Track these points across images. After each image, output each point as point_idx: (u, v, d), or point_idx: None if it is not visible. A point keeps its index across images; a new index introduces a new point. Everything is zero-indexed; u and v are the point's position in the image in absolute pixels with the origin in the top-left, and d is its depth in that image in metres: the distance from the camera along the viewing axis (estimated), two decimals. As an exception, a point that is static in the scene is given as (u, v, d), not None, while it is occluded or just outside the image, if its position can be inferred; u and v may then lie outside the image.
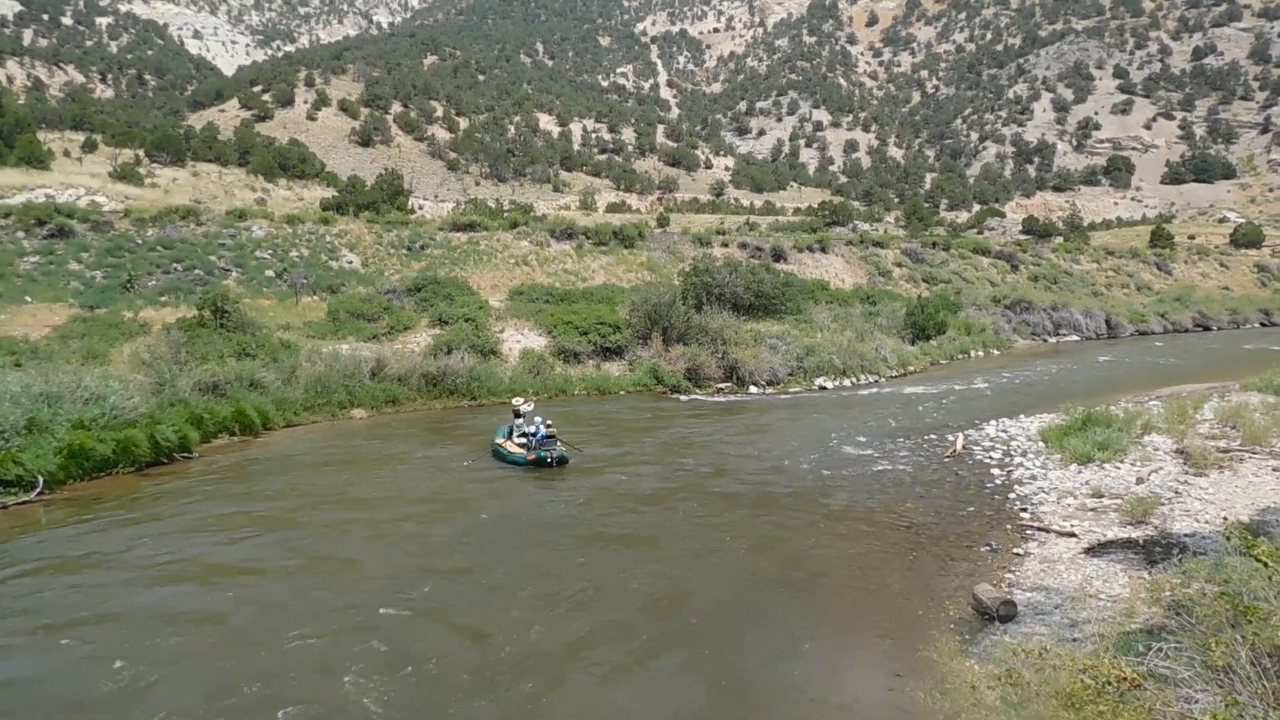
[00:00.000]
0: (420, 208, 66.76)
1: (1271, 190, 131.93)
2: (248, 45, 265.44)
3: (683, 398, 25.16)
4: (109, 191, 45.68)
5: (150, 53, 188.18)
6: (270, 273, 32.68)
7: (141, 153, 68.06)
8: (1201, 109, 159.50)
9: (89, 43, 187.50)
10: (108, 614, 9.23)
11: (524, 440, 16.35)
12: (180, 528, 12.14)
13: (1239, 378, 25.05)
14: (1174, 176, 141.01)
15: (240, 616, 9.22)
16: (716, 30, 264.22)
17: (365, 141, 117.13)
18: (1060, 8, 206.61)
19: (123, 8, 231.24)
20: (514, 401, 18.87)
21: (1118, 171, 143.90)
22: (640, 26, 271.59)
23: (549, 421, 16.65)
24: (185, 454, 16.57)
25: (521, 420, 17.24)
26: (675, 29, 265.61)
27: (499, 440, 16.90)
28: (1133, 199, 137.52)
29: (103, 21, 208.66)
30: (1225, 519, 10.36)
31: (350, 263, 34.96)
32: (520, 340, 27.44)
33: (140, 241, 32.30)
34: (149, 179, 55.87)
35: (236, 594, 9.83)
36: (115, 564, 10.71)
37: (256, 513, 12.95)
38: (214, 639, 8.65)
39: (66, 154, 64.61)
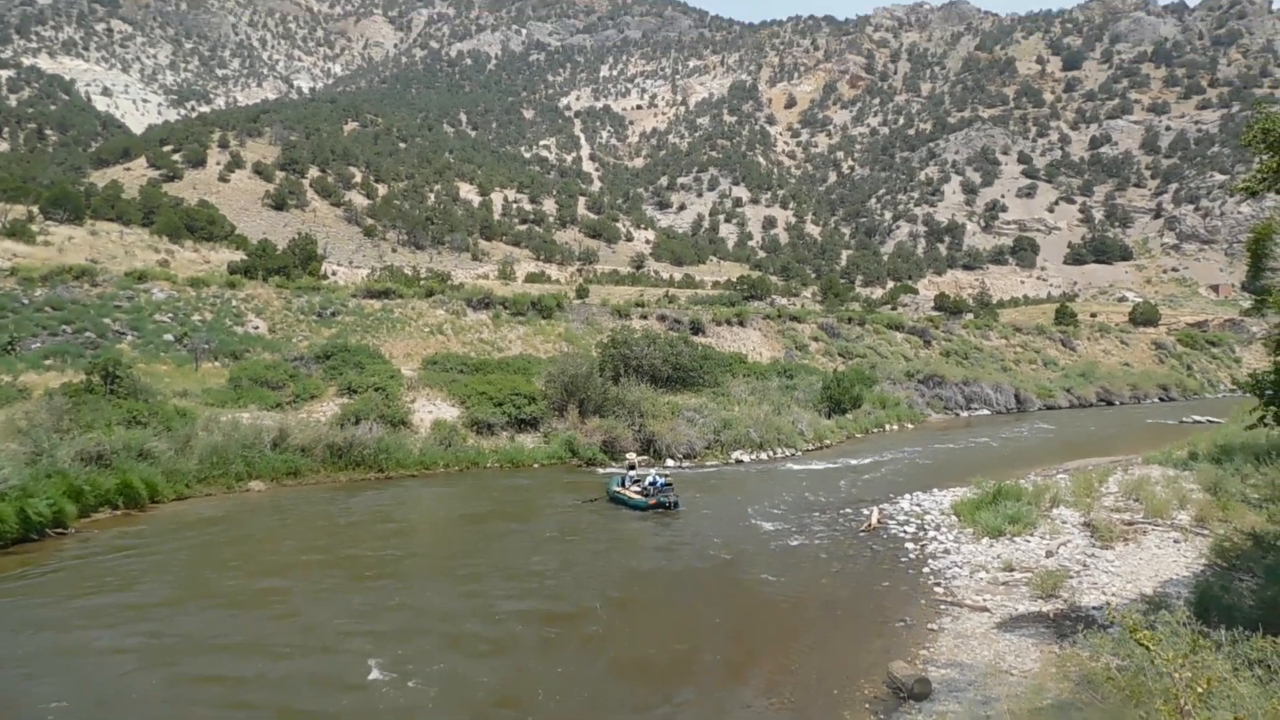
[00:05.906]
0: (334, 273, 65.33)
1: (1165, 272, 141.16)
2: (160, 105, 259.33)
3: (599, 470, 24.71)
4: (-4, 249, 43.48)
5: (54, 108, 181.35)
6: (170, 337, 31.28)
7: (35, 209, 64.51)
8: (1099, 194, 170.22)
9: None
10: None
11: (640, 488, 19.03)
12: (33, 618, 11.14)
13: (1141, 451, 26.04)
14: (1076, 257, 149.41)
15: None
16: (640, 107, 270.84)
17: (279, 205, 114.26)
18: (968, 97, 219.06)
19: (26, 61, 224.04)
20: (629, 457, 22.12)
21: (1024, 251, 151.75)
22: (564, 101, 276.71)
23: (665, 472, 21.20)
24: (60, 530, 15.40)
25: (635, 471, 20.41)
26: (599, 105, 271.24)
27: (616, 488, 19.66)
28: (1038, 278, 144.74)
29: (2, 74, 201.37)
30: (1108, 604, 10.53)
31: (256, 328, 33.77)
32: (432, 411, 26.67)
33: (26, 301, 30.62)
34: (42, 236, 53.23)
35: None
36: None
37: (125, 598, 11.98)
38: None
39: (-49, 209, 61.26)
